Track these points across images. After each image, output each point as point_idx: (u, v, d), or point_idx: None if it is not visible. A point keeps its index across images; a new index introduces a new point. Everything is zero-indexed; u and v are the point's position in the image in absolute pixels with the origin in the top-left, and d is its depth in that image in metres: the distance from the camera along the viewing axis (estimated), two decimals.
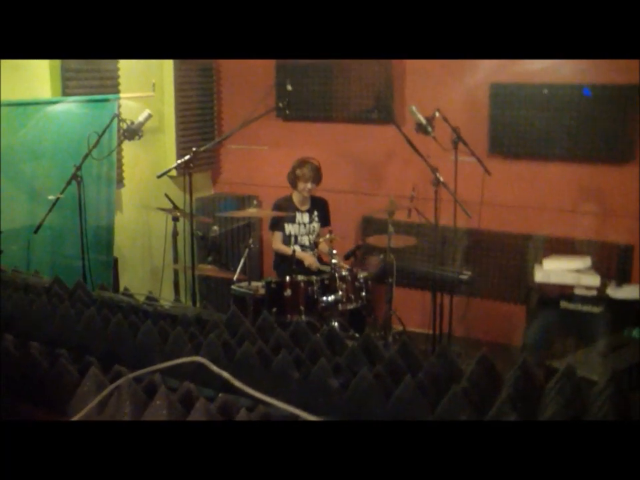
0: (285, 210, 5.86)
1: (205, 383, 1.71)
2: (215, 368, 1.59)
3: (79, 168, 4.89)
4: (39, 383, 1.77)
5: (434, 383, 1.72)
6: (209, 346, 1.86)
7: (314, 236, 6.02)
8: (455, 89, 6.02)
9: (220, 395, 1.61)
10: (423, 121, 5.23)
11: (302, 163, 5.88)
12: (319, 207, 6.08)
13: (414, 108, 5.28)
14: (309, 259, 5.80)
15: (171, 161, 6.32)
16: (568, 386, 1.57)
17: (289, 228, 5.99)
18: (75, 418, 1.60)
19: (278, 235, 6.03)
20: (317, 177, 5.88)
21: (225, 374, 1.55)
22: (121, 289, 5.93)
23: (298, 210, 5.99)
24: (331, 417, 1.58)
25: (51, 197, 4.78)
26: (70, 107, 5.41)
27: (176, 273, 5.86)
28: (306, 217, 6.01)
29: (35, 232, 4.70)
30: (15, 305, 2.26)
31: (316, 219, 6.04)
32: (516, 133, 5.94)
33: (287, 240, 5.99)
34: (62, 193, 4.84)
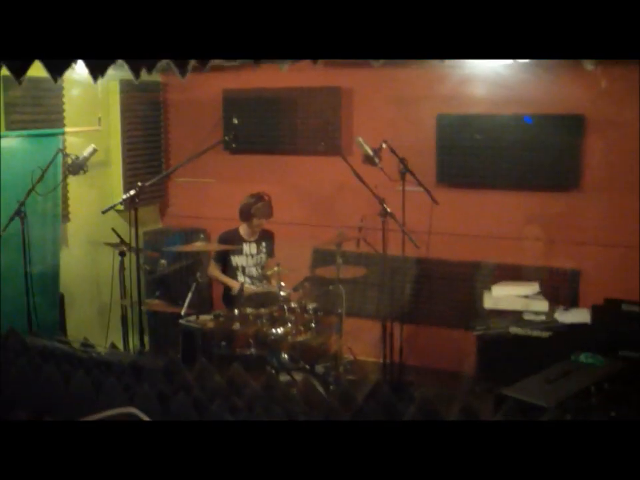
0: (231, 243, 5.83)
1: None
2: (147, 419, 1.55)
3: (22, 203, 4.82)
4: None
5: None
6: (143, 397, 1.82)
7: (261, 267, 5.99)
8: (402, 119, 6.07)
9: None
10: (370, 152, 5.26)
11: (257, 199, 5.83)
12: (266, 238, 6.06)
13: (361, 139, 5.31)
14: (234, 285, 5.75)
15: (118, 194, 6.23)
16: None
17: (236, 260, 5.94)
18: None
19: (216, 264, 6.00)
20: (270, 212, 5.87)
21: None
22: (68, 326, 5.82)
23: (245, 241, 5.95)
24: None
25: None
26: (13, 142, 5.31)
27: (124, 308, 5.77)
28: (254, 248, 5.98)
29: None
30: None
31: (264, 250, 6.01)
32: (463, 162, 6.00)
33: (234, 272, 5.94)
34: (4, 229, 4.74)
